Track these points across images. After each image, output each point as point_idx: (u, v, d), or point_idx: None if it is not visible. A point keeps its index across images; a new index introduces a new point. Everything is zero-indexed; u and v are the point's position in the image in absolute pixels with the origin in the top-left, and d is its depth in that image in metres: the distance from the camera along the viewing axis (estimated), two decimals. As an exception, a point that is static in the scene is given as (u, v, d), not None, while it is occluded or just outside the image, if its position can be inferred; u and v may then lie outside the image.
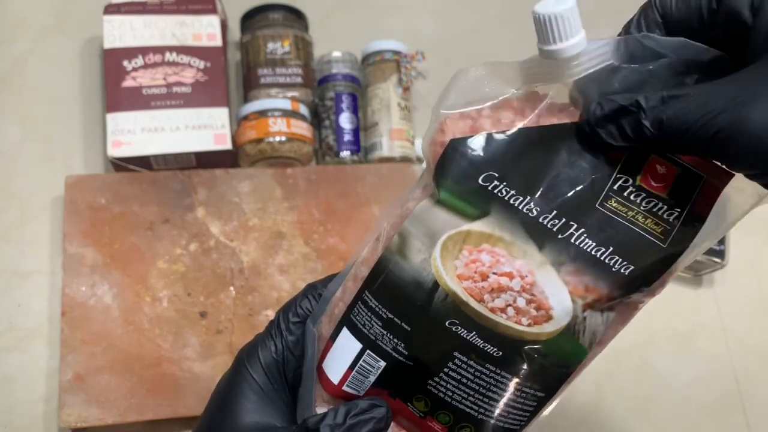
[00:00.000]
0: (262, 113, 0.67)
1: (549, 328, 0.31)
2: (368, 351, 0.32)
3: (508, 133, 0.31)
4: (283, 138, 0.66)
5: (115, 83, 0.66)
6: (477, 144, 0.31)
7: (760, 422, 0.65)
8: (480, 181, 0.31)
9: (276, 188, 0.67)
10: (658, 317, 0.69)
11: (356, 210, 0.67)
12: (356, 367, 0.32)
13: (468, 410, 0.32)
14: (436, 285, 0.31)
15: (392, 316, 0.31)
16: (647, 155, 0.30)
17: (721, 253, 0.67)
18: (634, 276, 0.30)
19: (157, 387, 0.58)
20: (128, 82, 0.66)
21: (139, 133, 0.65)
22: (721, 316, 0.70)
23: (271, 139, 0.66)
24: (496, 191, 0.31)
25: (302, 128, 0.68)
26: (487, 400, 0.31)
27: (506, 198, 0.30)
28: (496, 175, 0.31)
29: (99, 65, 0.72)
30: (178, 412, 0.58)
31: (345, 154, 0.70)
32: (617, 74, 0.30)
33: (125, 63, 0.67)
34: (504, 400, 0.32)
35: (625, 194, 0.30)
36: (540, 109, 0.31)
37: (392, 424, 0.33)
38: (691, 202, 0.30)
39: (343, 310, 0.33)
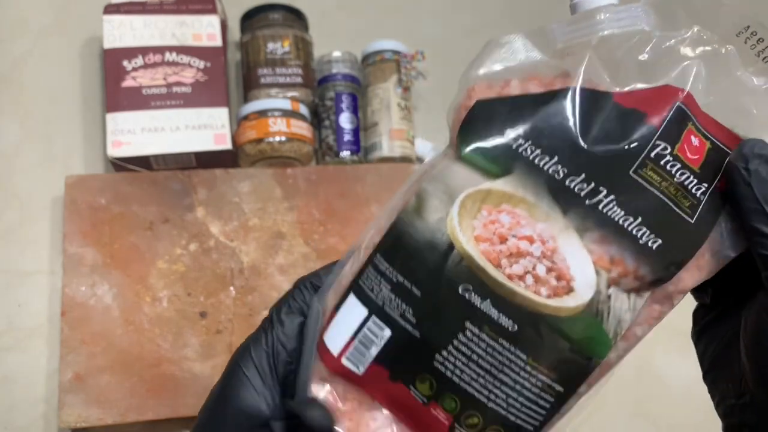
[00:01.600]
0: (262, 113, 0.67)
1: (570, 303, 0.29)
2: (374, 317, 0.30)
3: (538, 94, 0.30)
4: (283, 138, 0.66)
5: (115, 83, 0.66)
6: (505, 103, 0.30)
7: (761, 422, 0.64)
8: (504, 139, 0.29)
9: (276, 188, 0.67)
10: (658, 317, 0.69)
11: (356, 210, 0.67)
12: (359, 336, 0.31)
13: (477, 395, 0.30)
14: (451, 246, 0.29)
15: (402, 280, 0.30)
16: (686, 123, 0.29)
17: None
18: (661, 252, 0.29)
19: (157, 387, 0.58)
20: (128, 82, 0.66)
21: (139, 133, 0.65)
22: (722, 316, 0.70)
23: (271, 139, 0.66)
24: (520, 150, 0.29)
25: (302, 128, 0.68)
26: (498, 384, 0.29)
27: (531, 157, 0.29)
28: (522, 133, 0.29)
29: (99, 65, 0.72)
30: (178, 412, 0.58)
31: (345, 154, 0.70)
32: (647, 42, 0.29)
33: (125, 63, 0.67)
34: (518, 387, 0.29)
35: (662, 163, 0.29)
36: (571, 81, 0.30)
37: (391, 417, 0.32)
38: (718, 179, 0.29)
39: (350, 279, 0.32)
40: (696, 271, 0.30)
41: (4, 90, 0.70)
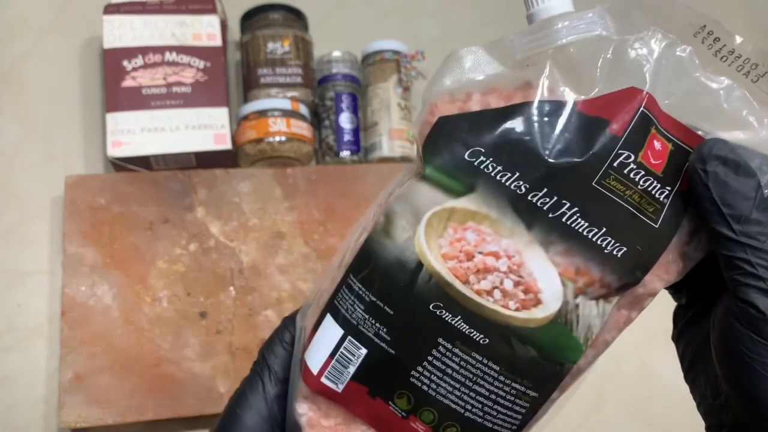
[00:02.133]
0: (262, 113, 0.67)
1: (538, 314, 0.29)
2: (349, 337, 0.31)
3: (498, 109, 0.30)
4: (283, 138, 0.66)
5: (115, 83, 0.66)
6: (465, 120, 0.30)
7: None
8: (466, 156, 0.30)
9: (276, 188, 0.67)
10: (658, 317, 0.68)
11: (356, 210, 0.67)
12: (336, 356, 0.31)
13: (453, 406, 0.30)
14: (419, 265, 0.29)
15: (375, 299, 0.30)
16: (649, 129, 0.29)
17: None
18: (626, 259, 0.29)
19: (157, 387, 0.58)
20: (128, 82, 0.66)
21: (138, 133, 0.65)
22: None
23: (271, 139, 0.66)
24: (482, 167, 0.29)
25: (302, 128, 0.68)
26: (473, 395, 0.30)
27: (493, 174, 0.29)
28: (483, 150, 0.29)
29: (99, 65, 0.72)
30: (178, 412, 0.58)
31: (345, 154, 0.70)
32: (607, 45, 0.29)
33: (125, 63, 0.67)
34: (492, 397, 0.30)
35: (625, 172, 0.29)
36: (532, 92, 0.30)
37: (372, 431, 0.32)
38: (681, 181, 0.29)
39: (327, 299, 0.32)
40: (664, 273, 0.30)
41: (4, 90, 0.70)
